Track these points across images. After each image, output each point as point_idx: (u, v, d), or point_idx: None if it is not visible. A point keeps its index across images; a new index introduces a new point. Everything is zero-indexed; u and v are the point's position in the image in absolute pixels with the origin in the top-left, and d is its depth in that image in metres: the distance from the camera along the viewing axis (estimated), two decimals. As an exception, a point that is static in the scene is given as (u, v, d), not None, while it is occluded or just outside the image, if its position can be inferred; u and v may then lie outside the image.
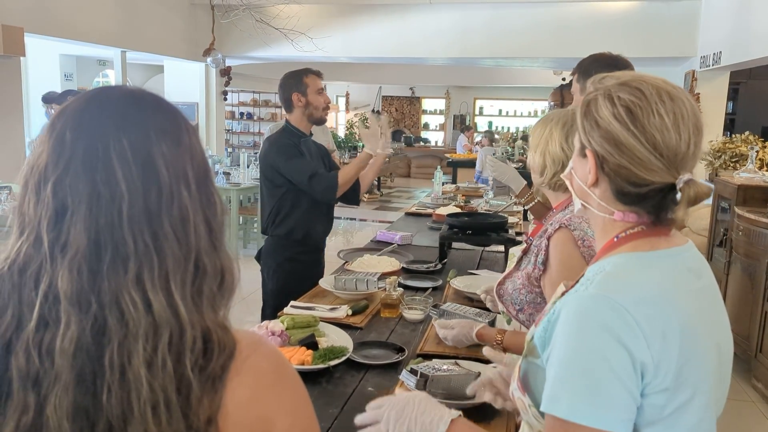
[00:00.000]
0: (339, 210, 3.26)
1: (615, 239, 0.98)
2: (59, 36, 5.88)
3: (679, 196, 0.91)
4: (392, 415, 1.09)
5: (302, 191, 2.86)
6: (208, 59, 8.16)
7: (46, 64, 8.72)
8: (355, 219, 9.69)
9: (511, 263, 1.64)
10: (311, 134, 3.01)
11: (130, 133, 0.70)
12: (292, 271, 2.91)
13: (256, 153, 9.31)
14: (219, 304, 0.74)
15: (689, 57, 6.86)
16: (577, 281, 1.13)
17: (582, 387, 0.85)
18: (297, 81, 2.89)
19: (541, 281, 1.49)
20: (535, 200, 2.62)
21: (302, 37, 7.63)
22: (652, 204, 0.94)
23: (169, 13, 7.52)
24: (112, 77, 10.66)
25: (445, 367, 1.63)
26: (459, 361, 1.70)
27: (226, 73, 8.64)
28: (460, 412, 1.04)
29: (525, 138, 10.83)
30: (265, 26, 7.62)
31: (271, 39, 7.83)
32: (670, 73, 7.08)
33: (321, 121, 3.00)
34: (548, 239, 1.48)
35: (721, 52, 6.00)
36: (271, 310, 2.93)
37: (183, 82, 8.67)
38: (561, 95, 2.84)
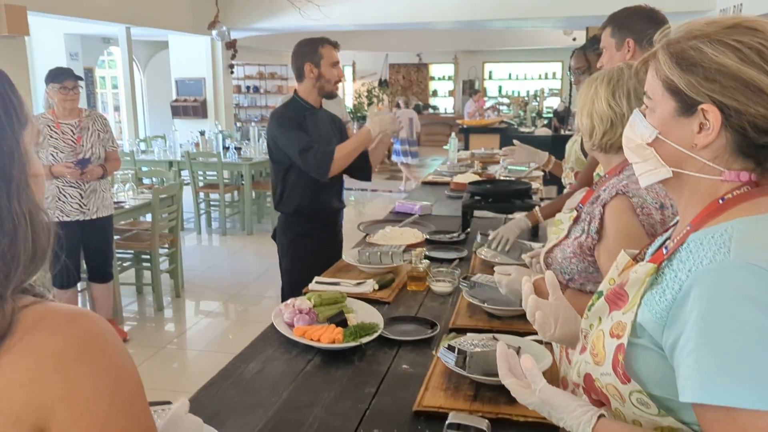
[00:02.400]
0: (349, 181, 3.19)
1: (720, 202, 0.88)
2: (62, 13, 5.78)
3: None
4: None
5: None
6: (213, 32, 8.02)
7: (52, 44, 8.61)
8: (366, 190, 9.62)
9: (557, 231, 1.56)
10: (321, 107, 2.92)
11: None
12: (305, 248, 2.83)
13: (264, 127, 9.22)
14: (2, 273, 0.65)
15: (708, 10, 6.65)
16: (643, 251, 1.05)
17: (746, 370, 0.76)
18: (312, 50, 2.76)
19: (595, 251, 1.40)
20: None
21: (308, 5, 7.46)
22: None
23: (172, -14, 7.37)
24: (117, 55, 10.54)
25: (482, 342, 1.57)
26: (497, 335, 1.64)
27: (231, 45, 8.51)
28: (603, 412, 0.95)
29: (559, 114, 10.66)
30: (271, -5, 7.46)
31: (277, 8, 7.68)
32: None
33: (331, 95, 2.88)
34: (603, 207, 1.39)
35: (741, 4, 5.80)
36: (288, 288, 2.87)
37: (189, 57, 8.54)
38: (586, 58, 2.69)
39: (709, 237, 0.85)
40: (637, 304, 0.91)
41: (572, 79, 2.94)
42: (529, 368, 1.05)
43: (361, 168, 2.89)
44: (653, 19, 2.17)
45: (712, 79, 0.84)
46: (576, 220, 1.49)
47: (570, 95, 3.02)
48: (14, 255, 0.67)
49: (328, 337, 1.75)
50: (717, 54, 0.84)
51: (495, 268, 1.65)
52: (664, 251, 0.93)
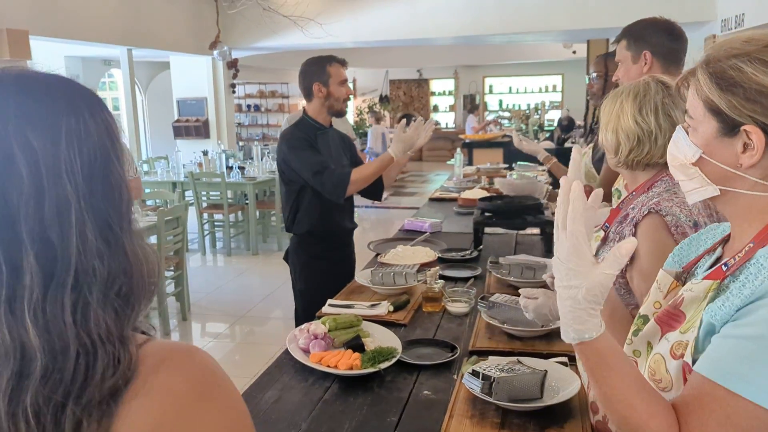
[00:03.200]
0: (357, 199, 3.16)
1: None
2: (64, 37, 5.79)
3: None
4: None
5: None
6: (215, 52, 8.03)
7: (53, 67, 8.63)
8: (370, 206, 9.58)
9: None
10: (331, 125, 2.88)
11: None
12: (320, 270, 2.79)
13: (266, 145, 9.20)
14: (123, 311, 0.63)
15: (709, 21, 6.64)
16: (686, 270, 1.01)
17: None
18: (319, 69, 2.73)
19: (627, 272, 1.35)
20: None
21: (310, 24, 7.48)
22: None
23: (173, 8, 7.39)
24: (118, 77, 10.57)
25: (507, 366, 1.51)
26: (521, 359, 1.59)
27: (233, 65, 8.52)
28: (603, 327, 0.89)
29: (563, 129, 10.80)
30: (273, 14, 7.47)
31: (279, 27, 7.69)
32: (690, 40, 6.85)
33: (340, 114, 2.85)
34: (635, 226, 1.34)
35: (744, 14, 5.78)
36: (302, 311, 2.83)
37: (190, 77, 8.55)
38: (605, 65, 2.70)
39: None
40: (699, 319, 0.88)
41: (588, 84, 2.97)
42: (623, 253, 0.87)
43: (373, 187, 2.86)
44: (670, 32, 2.14)
45: (753, 99, 0.82)
46: (604, 241, 1.44)
47: (587, 105, 2.98)
48: (134, 293, 0.65)
49: (346, 363, 1.70)
50: (757, 74, 0.82)
51: (521, 291, 1.61)
52: (724, 268, 0.90)
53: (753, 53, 0.83)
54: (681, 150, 0.93)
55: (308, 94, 2.77)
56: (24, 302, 0.58)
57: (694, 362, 0.86)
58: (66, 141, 0.62)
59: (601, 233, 1.46)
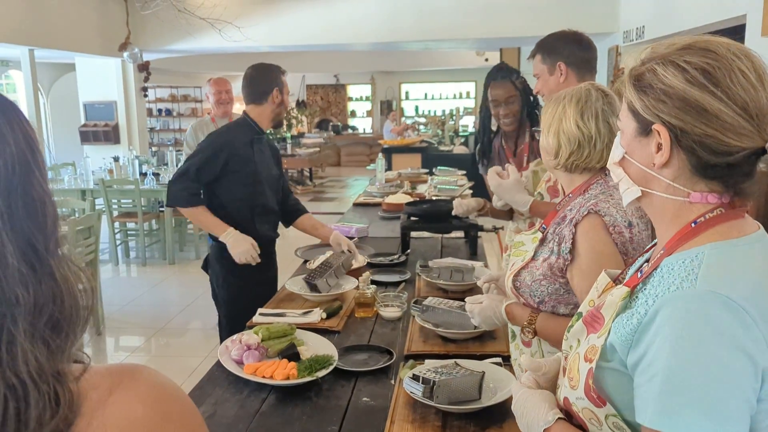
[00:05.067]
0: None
1: (692, 225, 0.88)
2: (-43, 35, 5.37)
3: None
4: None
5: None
6: (125, 54, 7.70)
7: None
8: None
9: (519, 253, 1.54)
10: (269, 132, 2.87)
11: None
12: (244, 277, 2.70)
13: (179, 150, 8.89)
14: (55, 343, 0.56)
15: (612, 32, 7.02)
16: (624, 272, 1.05)
17: (701, 401, 0.76)
18: (277, 77, 2.76)
19: (568, 272, 1.39)
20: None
21: (228, 27, 7.31)
22: (740, 174, 0.85)
23: (79, 6, 7.02)
24: (18, 79, 9.93)
25: (446, 369, 1.53)
26: (458, 361, 1.61)
27: (144, 68, 8.19)
28: (559, 414, 0.97)
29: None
30: (188, 16, 7.25)
31: (194, 29, 7.46)
32: (595, 49, 7.20)
33: (281, 123, 2.92)
34: (575, 226, 1.39)
35: (644, 26, 6.15)
36: (226, 321, 2.75)
37: (98, 79, 8.15)
38: (515, 86, 2.63)
39: (680, 262, 0.86)
40: (609, 329, 0.90)
41: (492, 110, 2.81)
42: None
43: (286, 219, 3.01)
44: (579, 42, 2.25)
45: (661, 100, 0.86)
46: (542, 242, 1.48)
47: (486, 127, 2.78)
48: (67, 322, 0.58)
49: (282, 373, 1.67)
50: (667, 75, 0.86)
51: (466, 299, 1.63)
52: (639, 275, 0.93)
53: (667, 56, 0.87)
54: (613, 151, 0.97)
55: (261, 98, 2.72)
56: None
57: (597, 368, 0.89)
58: None
59: (539, 234, 1.49)
